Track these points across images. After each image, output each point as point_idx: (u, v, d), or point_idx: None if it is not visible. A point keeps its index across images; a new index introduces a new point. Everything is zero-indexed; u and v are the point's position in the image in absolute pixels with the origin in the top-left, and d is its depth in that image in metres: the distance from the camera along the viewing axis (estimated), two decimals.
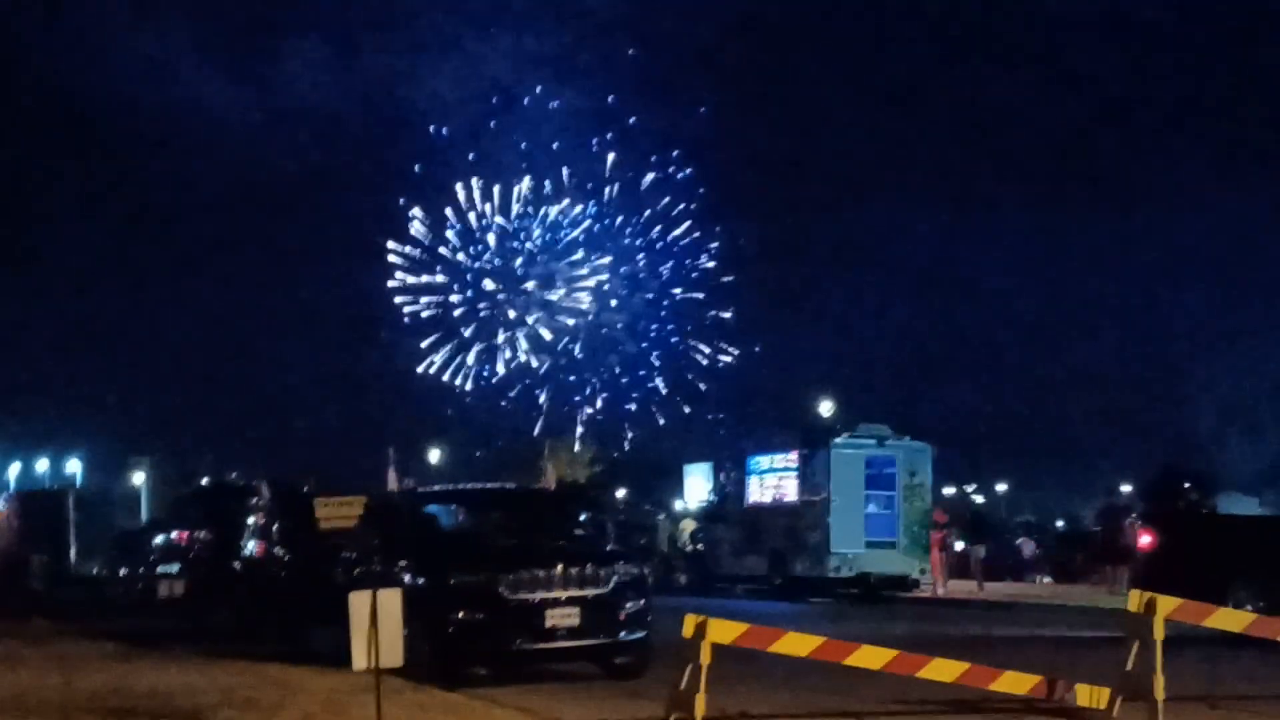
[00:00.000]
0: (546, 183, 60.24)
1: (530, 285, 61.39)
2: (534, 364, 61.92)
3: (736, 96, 59.25)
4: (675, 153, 59.57)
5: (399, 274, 60.64)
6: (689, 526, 40.26)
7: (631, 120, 58.89)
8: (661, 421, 60.78)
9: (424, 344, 61.07)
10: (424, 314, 61.44)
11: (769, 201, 60.16)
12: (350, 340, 62.71)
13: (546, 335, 61.70)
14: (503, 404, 60.17)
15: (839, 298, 61.68)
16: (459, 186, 60.54)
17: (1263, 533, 22.45)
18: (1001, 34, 62.70)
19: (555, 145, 59.63)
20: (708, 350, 61.52)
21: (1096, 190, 62.90)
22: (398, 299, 60.99)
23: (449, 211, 60.53)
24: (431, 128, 58.19)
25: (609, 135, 59.14)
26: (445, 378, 60.79)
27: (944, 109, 63.32)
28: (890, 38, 61.94)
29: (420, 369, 60.22)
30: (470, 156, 59.66)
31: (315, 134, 58.84)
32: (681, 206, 60.52)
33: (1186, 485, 35.10)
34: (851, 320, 61.87)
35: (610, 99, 58.52)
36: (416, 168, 59.19)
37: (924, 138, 63.73)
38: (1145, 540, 22.55)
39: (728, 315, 60.73)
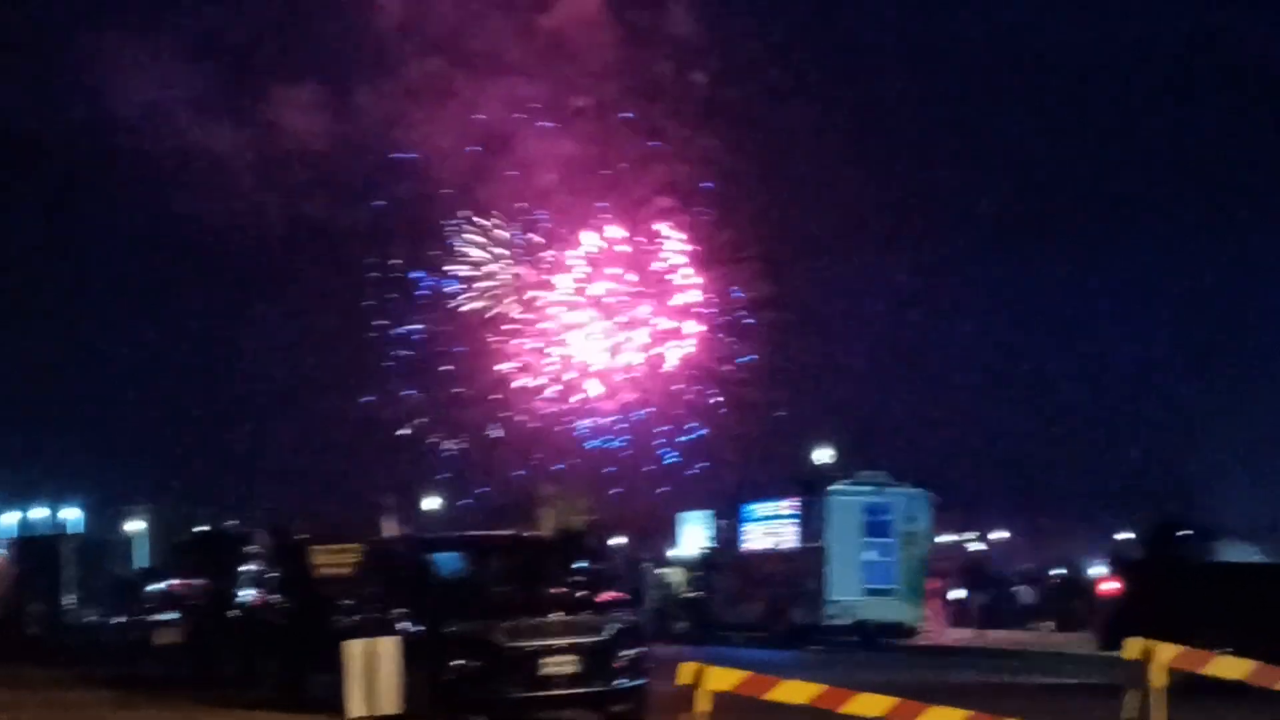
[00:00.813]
0: (532, 236, 60.14)
1: (527, 336, 61.29)
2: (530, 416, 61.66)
3: (731, 148, 59.14)
4: (672, 201, 59.50)
5: (379, 320, 60.13)
6: (676, 574, 40.22)
7: (627, 165, 58.83)
8: (660, 466, 60.46)
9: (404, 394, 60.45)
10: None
11: (763, 249, 60.04)
12: (347, 386, 62.52)
13: (546, 384, 61.53)
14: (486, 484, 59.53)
15: (836, 346, 61.61)
16: (452, 229, 60.33)
17: (1226, 580, 22.55)
18: (979, 87, 62.89)
19: (548, 191, 59.46)
20: (712, 396, 61.26)
21: (1099, 238, 62.91)
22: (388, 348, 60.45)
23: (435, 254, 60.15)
24: (397, 156, 57.65)
25: (603, 180, 59.07)
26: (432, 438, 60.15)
27: (945, 161, 63.37)
28: (881, 87, 62.04)
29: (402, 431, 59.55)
30: (460, 199, 59.44)
31: (311, 182, 58.64)
32: (676, 254, 60.36)
33: (1187, 532, 35.01)
34: (849, 368, 61.79)
35: (605, 143, 58.45)
36: (405, 212, 58.83)
37: (920, 190, 63.69)
38: (1112, 587, 22.68)
39: (729, 367, 60.51)
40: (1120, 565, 24.66)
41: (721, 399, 61.60)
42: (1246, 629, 19.32)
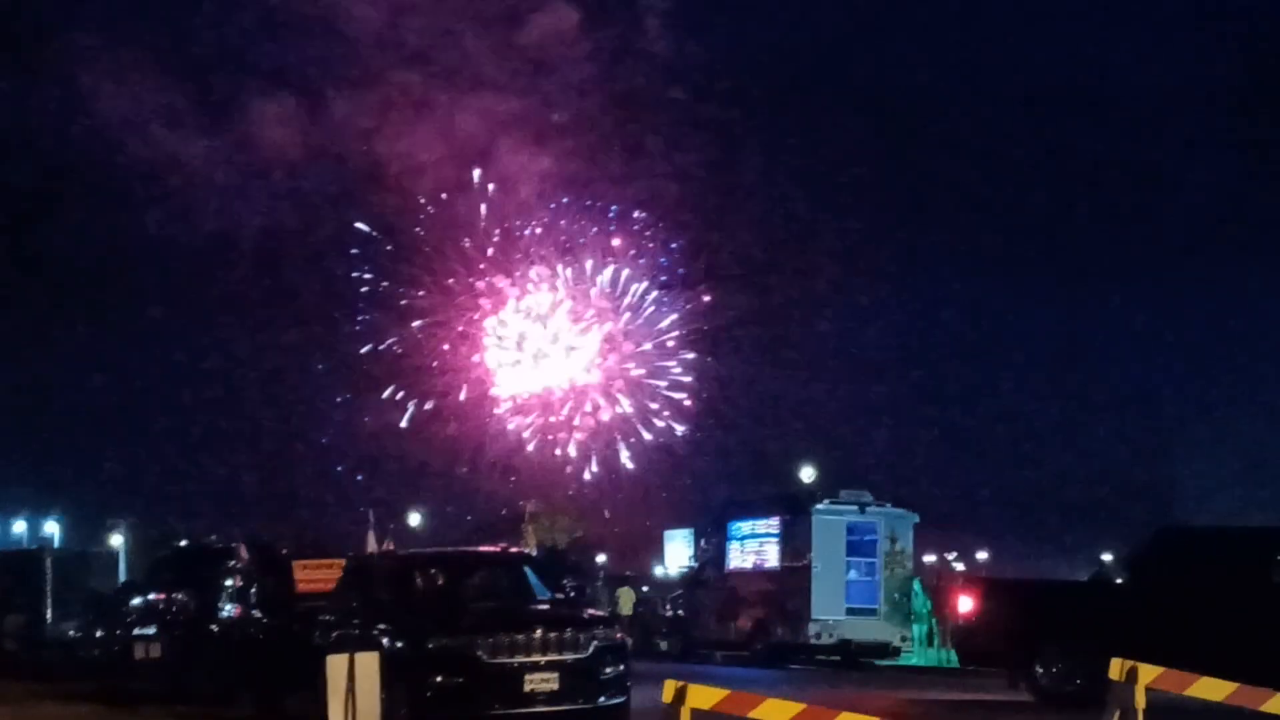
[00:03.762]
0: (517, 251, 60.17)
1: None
2: (519, 429, 61.68)
3: (715, 161, 59.21)
4: (649, 215, 59.48)
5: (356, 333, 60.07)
6: (627, 595, 40.20)
7: (607, 183, 58.86)
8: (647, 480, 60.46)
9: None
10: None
11: (747, 267, 60.20)
12: (328, 402, 62.50)
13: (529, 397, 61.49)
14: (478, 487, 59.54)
15: (820, 365, 61.73)
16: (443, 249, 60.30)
17: (1066, 597, 23.08)
18: (993, 111, 63.17)
19: (528, 210, 59.43)
20: (680, 425, 61.17)
21: (1087, 260, 63.19)
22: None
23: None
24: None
25: (584, 199, 59.13)
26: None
27: (934, 182, 63.62)
28: (877, 107, 62.25)
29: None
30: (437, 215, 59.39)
31: (285, 195, 58.49)
32: (655, 270, 60.40)
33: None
34: (833, 387, 61.91)
35: (585, 162, 58.50)
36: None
37: (905, 214, 63.98)
38: (967, 605, 23.03)
39: (689, 398, 60.30)
40: (970, 584, 25.30)
41: (701, 416, 61.80)
42: (1075, 644, 20.11)
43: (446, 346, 60.49)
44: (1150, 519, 44.44)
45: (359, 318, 60.20)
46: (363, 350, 60.44)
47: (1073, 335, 63.67)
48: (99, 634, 28.32)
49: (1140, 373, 61.48)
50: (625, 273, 60.38)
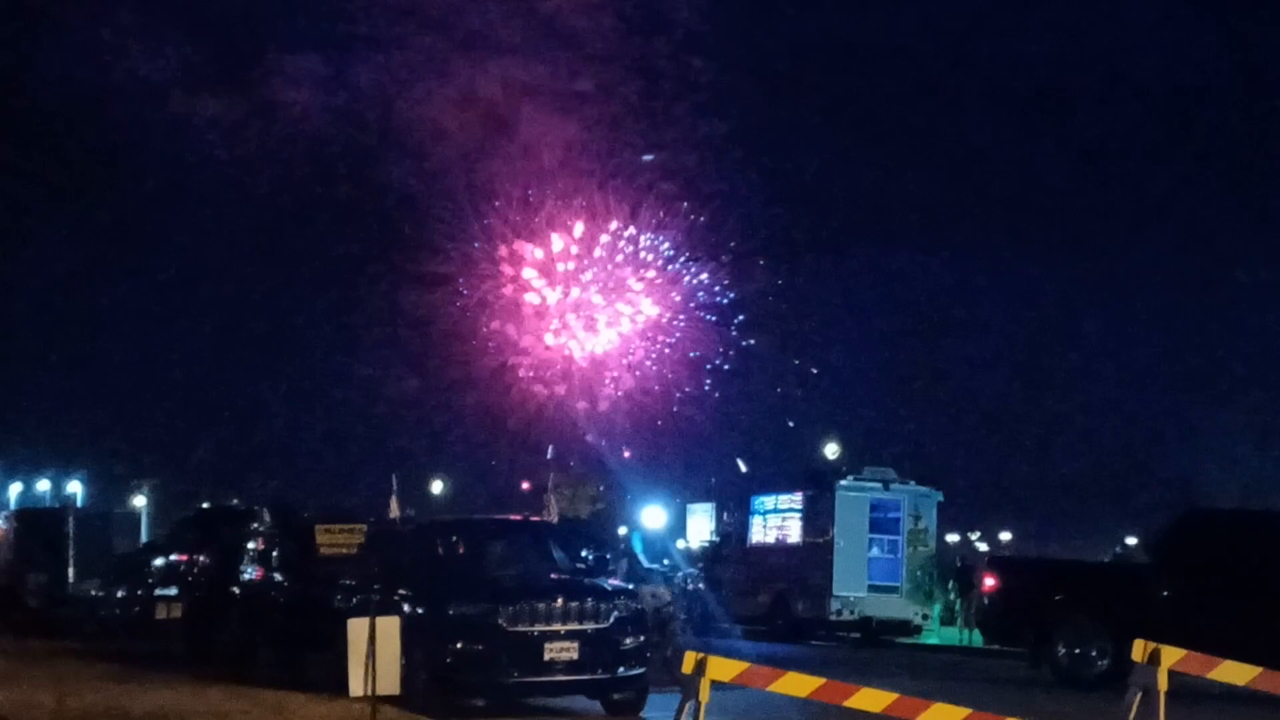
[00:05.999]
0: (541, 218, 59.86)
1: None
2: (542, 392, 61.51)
3: (737, 132, 58.79)
4: (674, 185, 59.09)
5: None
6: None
7: (630, 148, 58.45)
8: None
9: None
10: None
11: (771, 240, 59.85)
12: (354, 366, 62.45)
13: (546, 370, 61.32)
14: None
15: (846, 340, 61.49)
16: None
17: (1087, 578, 23.31)
18: (1018, 81, 62.69)
19: (545, 174, 59.03)
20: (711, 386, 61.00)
21: (1112, 236, 62.77)
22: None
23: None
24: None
25: (608, 164, 58.75)
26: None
27: (956, 154, 63.20)
28: (894, 76, 61.84)
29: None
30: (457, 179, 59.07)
31: (307, 159, 58.18)
32: (679, 240, 60.08)
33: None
34: (858, 364, 61.68)
35: (610, 126, 58.07)
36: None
37: (934, 183, 63.56)
38: (989, 583, 23.18)
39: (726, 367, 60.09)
40: (993, 563, 25.51)
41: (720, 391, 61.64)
42: (1099, 623, 20.44)
43: (472, 316, 60.33)
44: (1173, 503, 44.31)
45: (381, 284, 60.03)
46: (386, 317, 60.28)
47: (1106, 313, 63.29)
48: (120, 594, 28.45)
49: (1171, 354, 61.10)
50: (649, 241, 60.07)
